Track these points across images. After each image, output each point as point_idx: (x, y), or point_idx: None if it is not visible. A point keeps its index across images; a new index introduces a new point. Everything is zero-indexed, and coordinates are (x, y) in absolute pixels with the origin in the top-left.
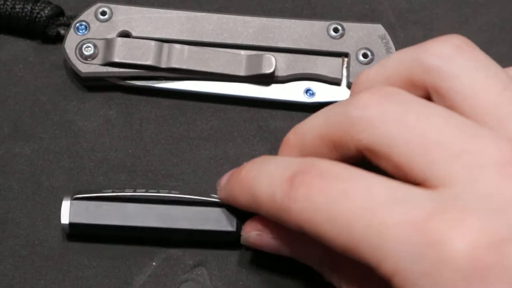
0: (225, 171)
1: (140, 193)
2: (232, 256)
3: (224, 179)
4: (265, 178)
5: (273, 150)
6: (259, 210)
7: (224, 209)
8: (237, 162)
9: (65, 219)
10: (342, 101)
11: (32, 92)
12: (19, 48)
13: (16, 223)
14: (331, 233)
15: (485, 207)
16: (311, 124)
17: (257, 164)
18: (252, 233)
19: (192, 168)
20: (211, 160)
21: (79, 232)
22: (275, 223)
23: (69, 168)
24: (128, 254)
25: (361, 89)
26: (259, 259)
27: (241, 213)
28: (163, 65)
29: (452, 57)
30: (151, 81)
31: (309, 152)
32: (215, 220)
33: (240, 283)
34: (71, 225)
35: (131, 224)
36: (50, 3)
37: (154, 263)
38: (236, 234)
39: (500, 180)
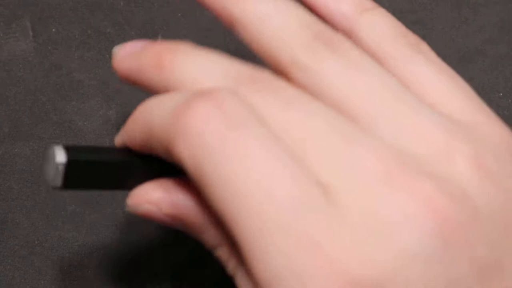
0: None
1: None
2: None
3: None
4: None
5: None
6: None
7: None
8: None
9: (61, 157)
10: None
11: (32, 92)
12: (19, 48)
13: (16, 223)
14: (214, 189)
15: (366, 232)
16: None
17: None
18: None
19: None
20: None
21: (75, 178)
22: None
23: None
24: (128, 253)
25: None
26: None
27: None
28: None
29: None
30: None
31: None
32: None
33: None
34: (69, 164)
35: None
36: None
37: (154, 263)
38: None
39: (382, 197)
